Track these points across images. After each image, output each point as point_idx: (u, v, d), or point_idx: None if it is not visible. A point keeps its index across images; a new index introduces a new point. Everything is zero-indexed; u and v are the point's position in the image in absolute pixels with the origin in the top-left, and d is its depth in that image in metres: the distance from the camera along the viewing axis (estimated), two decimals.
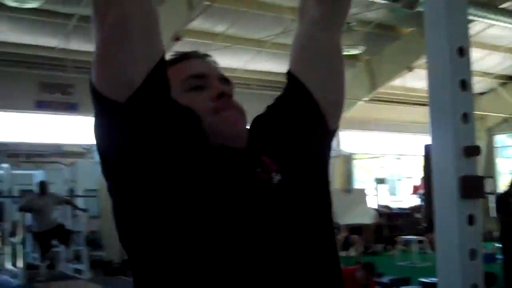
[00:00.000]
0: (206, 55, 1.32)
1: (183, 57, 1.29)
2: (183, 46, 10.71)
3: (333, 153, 1.38)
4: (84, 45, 10.36)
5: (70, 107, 11.01)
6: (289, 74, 1.31)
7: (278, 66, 11.83)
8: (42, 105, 11.12)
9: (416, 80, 12.83)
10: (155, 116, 1.10)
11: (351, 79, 13.46)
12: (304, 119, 1.27)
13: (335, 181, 14.04)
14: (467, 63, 1.37)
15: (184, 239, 1.07)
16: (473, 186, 1.36)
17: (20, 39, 10.31)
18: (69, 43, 10.39)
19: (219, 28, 10.82)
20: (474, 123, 1.42)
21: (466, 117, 1.39)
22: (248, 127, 1.29)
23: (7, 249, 10.29)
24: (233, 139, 1.18)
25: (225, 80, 1.27)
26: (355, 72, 13.26)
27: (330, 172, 1.33)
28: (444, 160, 1.35)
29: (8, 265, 10.17)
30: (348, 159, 14.35)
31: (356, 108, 13.55)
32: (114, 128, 1.12)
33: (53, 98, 11.09)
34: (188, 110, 1.18)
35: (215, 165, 1.12)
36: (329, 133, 1.31)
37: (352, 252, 11.49)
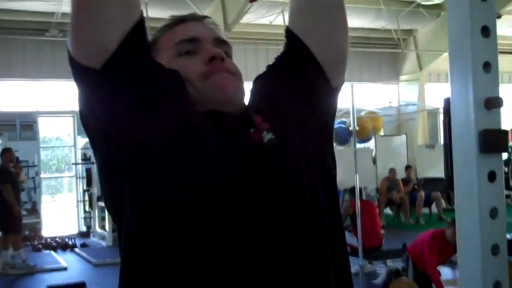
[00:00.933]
0: (204, 17, 1.28)
1: (178, 21, 1.25)
2: (259, 7, 10.67)
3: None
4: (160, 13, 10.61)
5: None
6: (287, 31, 1.27)
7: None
8: None
9: (505, 27, 12.13)
10: (133, 82, 1.07)
11: (434, 30, 12.93)
12: (302, 76, 1.23)
13: (419, 136, 13.66)
14: (490, 8, 1.26)
15: (169, 208, 1.03)
16: (494, 141, 1.26)
17: None
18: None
19: None
20: (497, 73, 1.30)
21: (489, 66, 1.28)
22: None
23: (96, 213, 10.83)
24: (223, 102, 1.14)
25: (221, 42, 1.23)
26: (439, 23, 12.68)
27: (332, 130, 1.29)
28: (464, 112, 1.26)
29: (97, 228, 10.75)
30: (432, 113, 13.88)
31: (441, 60, 13.00)
32: (92, 95, 1.10)
33: None
34: (171, 73, 1.14)
35: (199, 130, 1.08)
36: (332, 89, 1.26)
37: (433, 209, 11.33)
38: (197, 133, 1.07)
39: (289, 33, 1.26)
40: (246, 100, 1.24)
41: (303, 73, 1.23)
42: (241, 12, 9.88)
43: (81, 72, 1.09)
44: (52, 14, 10.34)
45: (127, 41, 1.07)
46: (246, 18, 10.60)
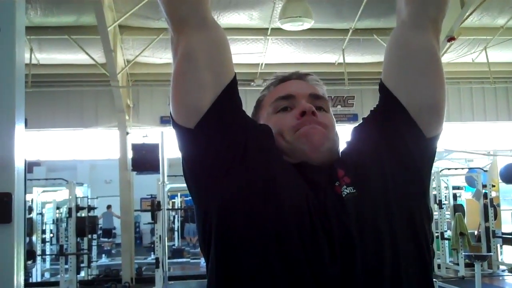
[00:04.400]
0: (306, 74, 1.33)
1: (281, 79, 1.33)
2: (459, 45, 10.34)
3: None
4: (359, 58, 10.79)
5: (351, 118, 11.46)
6: (380, 84, 1.27)
7: None
8: None
9: None
10: (222, 138, 1.14)
11: None
12: (392, 128, 1.22)
13: None
14: None
15: (244, 259, 1.08)
16: None
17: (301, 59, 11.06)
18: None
19: (499, 21, 10.10)
20: None
21: None
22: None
23: None
24: (310, 151, 1.18)
25: (316, 97, 1.27)
26: None
27: (426, 181, 1.24)
28: None
29: None
30: None
31: None
32: (187, 151, 1.19)
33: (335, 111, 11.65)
34: (260, 127, 1.22)
35: (280, 183, 1.11)
36: (426, 140, 1.23)
37: None
38: (279, 187, 1.10)
39: (381, 86, 1.26)
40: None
41: (393, 124, 1.22)
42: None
43: (178, 131, 1.19)
44: (257, 65, 11.04)
45: (219, 102, 1.15)
46: (447, 57, 10.30)
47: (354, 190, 1.12)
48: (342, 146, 1.27)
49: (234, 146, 1.14)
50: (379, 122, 1.24)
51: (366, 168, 1.17)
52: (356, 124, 1.30)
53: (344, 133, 1.30)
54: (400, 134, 1.21)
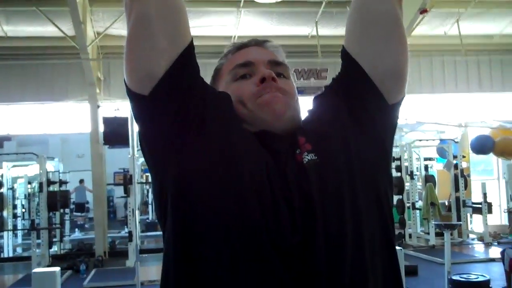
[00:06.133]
0: (265, 41, 1.31)
1: (238, 47, 1.30)
2: (432, 18, 10.37)
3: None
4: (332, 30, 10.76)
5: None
6: (342, 50, 1.26)
7: None
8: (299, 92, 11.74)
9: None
10: (178, 106, 1.11)
11: None
12: (353, 95, 1.21)
13: None
14: None
15: (202, 229, 1.05)
16: None
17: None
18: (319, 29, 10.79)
19: None
20: None
21: None
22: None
23: None
24: (271, 120, 1.16)
25: (275, 63, 1.25)
26: None
27: (388, 148, 1.23)
28: None
29: None
30: None
31: None
32: (143, 120, 1.16)
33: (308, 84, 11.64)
34: (219, 95, 1.19)
35: (240, 152, 1.09)
36: (389, 107, 1.22)
37: None
38: (237, 156, 1.08)
39: (344, 53, 1.25)
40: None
41: (355, 92, 1.21)
42: (411, 24, 9.66)
43: (132, 99, 1.16)
44: (230, 37, 10.95)
45: (174, 68, 1.12)
46: (420, 30, 10.33)
47: (316, 157, 1.10)
48: (304, 115, 1.25)
49: (191, 113, 1.12)
50: (341, 89, 1.23)
51: (328, 135, 1.16)
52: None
53: (308, 107, 1.27)
54: (363, 101, 1.20)
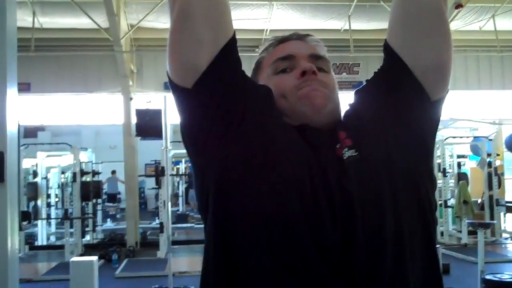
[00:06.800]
0: (306, 35, 1.30)
1: (280, 40, 1.30)
2: (467, 13, 10.20)
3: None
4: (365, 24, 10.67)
5: (356, 85, 11.39)
6: (384, 45, 1.24)
7: None
8: None
9: None
10: (220, 99, 1.12)
11: None
12: (396, 90, 1.19)
13: None
14: None
15: (241, 221, 1.06)
16: None
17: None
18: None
19: None
20: None
21: None
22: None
23: None
24: (311, 113, 1.15)
25: (316, 57, 1.24)
26: None
27: (430, 146, 1.21)
28: None
29: None
30: None
31: None
32: (185, 112, 1.17)
33: (339, 78, 11.59)
34: (260, 88, 1.19)
35: (281, 145, 1.09)
36: (431, 103, 1.20)
37: None
38: (278, 149, 1.08)
39: (386, 47, 1.23)
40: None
41: (398, 87, 1.19)
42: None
43: (175, 91, 1.16)
44: (262, 31, 10.93)
45: (217, 61, 1.12)
46: (454, 25, 10.17)
47: (356, 153, 1.09)
48: (344, 109, 1.24)
49: (232, 106, 1.12)
50: (383, 84, 1.21)
51: (369, 130, 1.15)
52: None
53: (349, 101, 1.26)
54: (405, 96, 1.18)
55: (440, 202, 10.79)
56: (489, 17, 10.47)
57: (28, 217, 10.23)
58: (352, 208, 1.04)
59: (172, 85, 1.17)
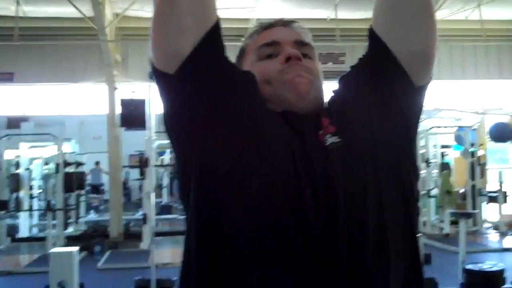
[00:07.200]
0: (291, 21, 1.30)
1: (265, 27, 1.30)
2: (453, 2, 10.21)
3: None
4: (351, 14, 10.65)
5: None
6: (369, 31, 1.24)
7: None
8: None
9: None
10: (204, 85, 1.11)
11: None
12: (380, 77, 1.19)
13: None
14: None
15: (225, 210, 1.05)
16: None
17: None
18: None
19: None
20: None
21: None
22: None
23: None
24: (295, 100, 1.15)
25: (302, 44, 1.24)
26: None
27: (413, 133, 1.21)
28: None
29: None
30: None
31: None
32: (168, 99, 1.16)
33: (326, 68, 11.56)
34: (244, 75, 1.18)
35: (265, 133, 1.09)
36: (415, 89, 1.20)
37: None
38: (262, 135, 1.08)
39: (371, 33, 1.23)
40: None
41: (381, 73, 1.19)
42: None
43: (158, 77, 1.15)
44: (247, 20, 10.88)
45: (200, 47, 1.11)
46: (440, 14, 10.19)
47: (339, 140, 1.09)
48: (328, 95, 1.24)
49: (216, 92, 1.12)
50: (367, 70, 1.21)
51: (352, 117, 1.15)
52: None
53: (333, 88, 1.26)
54: (389, 82, 1.18)
55: (423, 192, 10.85)
56: (474, 6, 10.50)
57: (4, 206, 10.12)
58: (335, 195, 1.04)
59: (155, 72, 1.16)
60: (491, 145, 12.43)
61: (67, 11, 10.07)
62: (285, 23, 1.29)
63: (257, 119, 1.11)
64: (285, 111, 1.14)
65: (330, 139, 1.09)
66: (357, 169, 1.08)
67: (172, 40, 1.12)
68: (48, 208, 9.87)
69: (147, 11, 10.24)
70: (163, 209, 14.34)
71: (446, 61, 11.73)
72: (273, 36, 1.25)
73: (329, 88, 1.25)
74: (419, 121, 1.24)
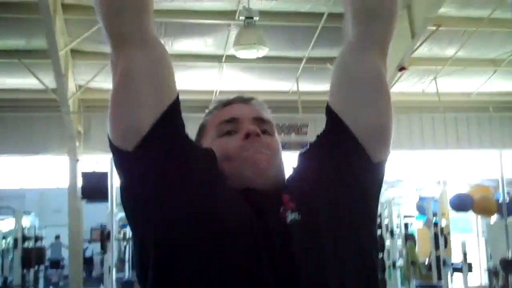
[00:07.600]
0: (250, 98, 1.31)
1: (224, 103, 1.30)
2: (410, 75, 10.55)
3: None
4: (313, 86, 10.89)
5: (305, 146, 11.48)
6: (326, 107, 1.26)
7: None
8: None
9: None
10: (161, 162, 1.10)
11: None
12: (338, 154, 1.20)
13: None
14: None
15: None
16: None
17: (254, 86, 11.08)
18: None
19: (448, 51, 10.33)
20: None
21: None
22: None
23: None
24: (255, 177, 1.15)
25: (260, 120, 1.25)
26: None
27: (373, 206, 1.22)
28: None
29: None
30: None
31: None
32: (125, 175, 1.14)
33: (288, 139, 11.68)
34: (204, 152, 1.18)
35: (223, 213, 1.08)
36: (374, 165, 1.21)
37: None
38: (222, 213, 1.07)
39: (328, 109, 1.25)
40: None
41: (339, 149, 1.20)
42: (390, 81, 9.81)
43: (115, 154, 1.14)
44: (211, 92, 11.01)
45: (159, 124, 1.10)
46: (398, 87, 10.49)
47: (299, 216, 1.09)
48: (288, 172, 1.25)
49: (174, 170, 1.10)
50: (326, 146, 1.22)
51: (312, 193, 1.15)
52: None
53: (293, 164, 1.27)
54: (347, 159, 1.19)
55: (388, 264, 10.80)
56: (431, 79, 10.84)
57: None
58: (295, 272, 1.03)
59: (112, 148, 1.14)
60: (453, 214, 12.55)
61: (30, 82, 10.02)
62: (244, 100, 1.30)
63: (216, 195, 1.09)
64: (246, 189, 1.13)
65: (291, 216, 1.09)
66: (317, 245, 1.08)
67: (130, 117, 1.10)
68: (5, 286, 9.48)
69: (110, 83, 10.23)
70: (125, 286, 13.91)
71: (406, 132, 11.98)
72: (232, 113, 1.25)
73: (290, 160, 1.26)
74: (379, 194, 1.25)
